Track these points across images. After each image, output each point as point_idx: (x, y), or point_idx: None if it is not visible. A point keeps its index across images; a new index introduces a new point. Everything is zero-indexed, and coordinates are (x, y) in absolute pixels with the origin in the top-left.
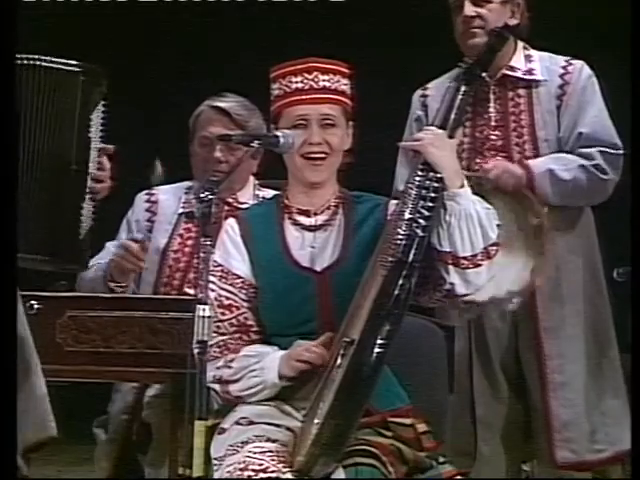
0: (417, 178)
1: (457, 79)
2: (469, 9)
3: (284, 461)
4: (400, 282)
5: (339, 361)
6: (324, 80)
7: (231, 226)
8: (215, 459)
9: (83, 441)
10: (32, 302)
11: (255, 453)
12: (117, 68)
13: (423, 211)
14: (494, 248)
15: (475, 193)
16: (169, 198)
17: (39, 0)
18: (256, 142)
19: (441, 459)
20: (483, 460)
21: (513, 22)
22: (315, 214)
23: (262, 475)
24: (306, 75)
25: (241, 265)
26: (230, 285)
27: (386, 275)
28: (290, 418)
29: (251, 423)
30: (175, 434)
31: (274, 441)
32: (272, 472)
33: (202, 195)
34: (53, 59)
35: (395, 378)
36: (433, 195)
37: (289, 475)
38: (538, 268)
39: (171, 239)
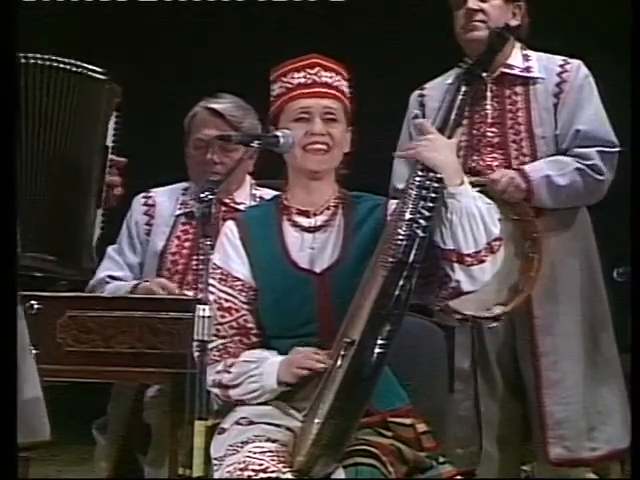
0: (417, 178)
1: (457, 79)
2: (473, 2)
3: (284, 461)
4: (401, 282)
5: (339, 361)
6: (326, 76)
7: (230, 229)
8: (215, 459)
9: (83, 441)
10: (32, 302)
11: (255, 453)
12: (117, 68)
13: (423, 211)
14: (497, 243)
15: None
16: (166, 200)
17: (39, 0)
18: (256, 142)
19: (441, 459)
20: (482, 459)
21: (514, 23)
22: (314, 215)
23: (262, 475)
24: (309, 70)
25: (240, 267)
26: (230, 288)
27: (386, 275)
28: (290, 418)
29: (251, 423)
30: (175, 434)
31: (274, 441)
32: (272, 472)
33: (202, 195)
34: (80, 64)
35: (395, 378)
36: (433, 195)
37: (289, 475)
38: (526, 278)
39: (169, 241)
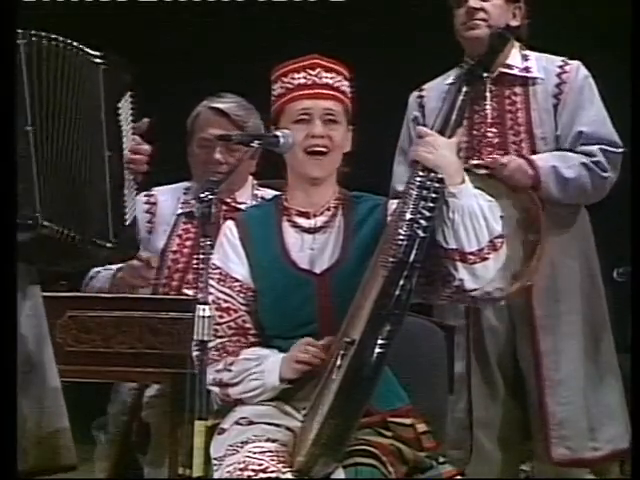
0: (418, 178)
1: (458, 79)
2: (474, 1)
3: (284, 461)
4: (401, 282)
5: (339, 361)
6: (327, 77)
7: (229, 228)
8: (215, 459)
9: (83, 441)
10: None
11: (255, 453)
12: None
13: (424, 211)
14: (500, 240)
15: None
16: (168, 199)
17: (39, 0)
18: (256, 142)
19: (441, 459)
20: (482, 460)
21: (514, 23)
22: (314, 216)
23: (262, 475)
24: (309, 71)
25: (239, 268)
26: (228, 288)
27: (387, 276)
28: (290, 418)
29: (251, 423)
30: (175, 434)
31: (274, 441)
32: (272, 472)
33: (202, 195)
34: (72, 43)
35: (395, 378)
36: (434, 195)
37: (289, 475)
38: (527, 265)
39: (170, 240)
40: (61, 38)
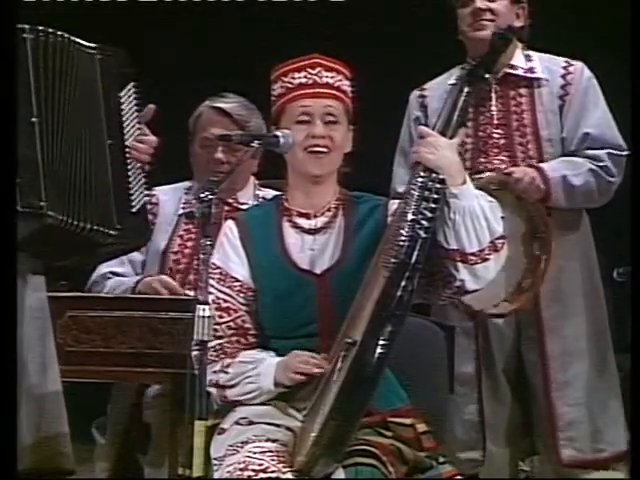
0: (419, 179)
1: (460, 80)
2: (481, 2)
3: (284, 461)
4: (402, 283)
5: (341, 362)
6: (327, 77)
7: (230, 228)
8: (215, 459)
9: (83, 441)
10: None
11: (255, 453)
12: None
13: (426, 212)
14: (501, 241)
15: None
16: (169, 199)
17: (39, 0)
18: (256, 142)
19: (441, 459)
20: (487, 463)
21: (518, 24)
22: (315, 216)
23: (262, 475)
24: (310, 70)
25: (239, 268)
26: (228, 288)
27: (388, 276)
28: (290, 418)
29: (251, 423)
30: (175, 434)
31: (274, 441)
32: (272, 472)
33: (202, 195)
34: (65, 35)
35: (395, 378)
36: (435, 196)
37: (289, 475)
38: (533, 278)
39: (171, 240)
40: (59, 32)
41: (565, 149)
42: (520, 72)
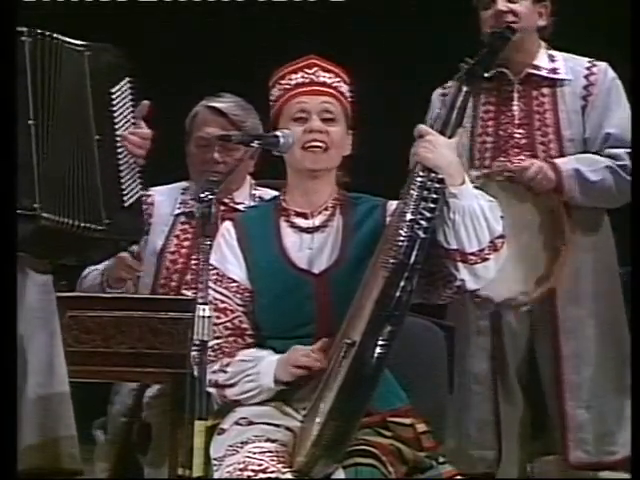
0: (418, 179)
1: (458, 79)
2: (502, 4)
3: (284, 461)
4: (402, 283)
5: (340, 362)
6: (324, 76)
7: (227, 229)
8: (215, 459)
9: (83, 441)
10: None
11: (255, 453)
12: None
13: (425, 212)
14: (500, 240)
15: (478, 187)
16: (165, 199)
17: (39, 0)
18: (256, 142)
19: (441, 459)
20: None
21: (541, 23)
22: (313, 216)
23: (262, 475)
24: (307, 70)
25: (236, 269)
26: (225, 289)
27: (387, 276)
28: (290, 418)
29: (251, 423)
30: (175, 434)
31: (274, 441)
32: (272, 472)
33: (202, 195)
34: (53, 35)
35: (395, 378)
36: (434, 196)
37: (289, 475)
38: (551, 269)
39: (167, 240)
40: (47, 33)
41: (587, 149)
42: (543, 72)
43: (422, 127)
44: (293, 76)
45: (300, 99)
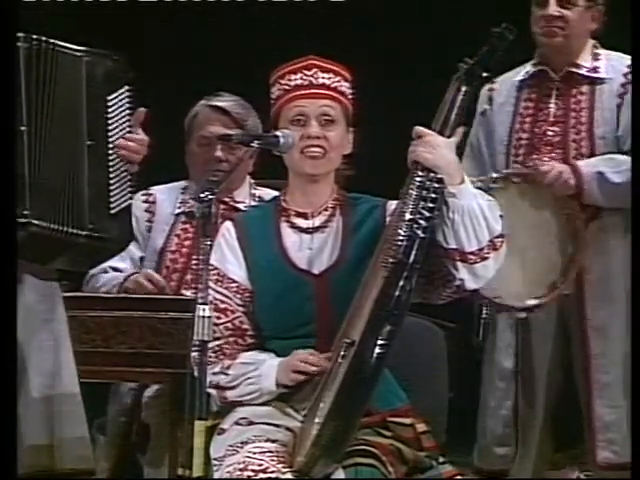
0: (417, 179)
1: (458, 79)
2: (554, 8)
3: (284, 461)
4: (401, 283)
5: (340, 362)
6: (324, 78)
7: (228, 229)
8: (215, 459)
9: None
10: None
11: (255, 453)
12: None
13: (424, 212)
14: (499, 240)
15: (480, 188)
16: (166, 198)
17: (39, 0)
18: (256, 142)
19: (441, 459)
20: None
21: (594, 26)
22: (312, 216)
23: (262, 475)
24: (305, 72)
25: (237, 269)
26: (225, 289)
27: (387, 276)
28: (290, 418)
29: (251, 423)
30: (174, 434)
31: (274, 441)
32: (272, 472)
33: (202, 195)
34: (50, 40)
35: (394, 378)
36: (433, 196)
37: (289, 475)
38: (566, 277)
39: (168, 239)
40: (43, 38)
41: (619, 148)
42: (584, 71)
43: (420, 128)
44: (292, 77)
45: (298, 102)
